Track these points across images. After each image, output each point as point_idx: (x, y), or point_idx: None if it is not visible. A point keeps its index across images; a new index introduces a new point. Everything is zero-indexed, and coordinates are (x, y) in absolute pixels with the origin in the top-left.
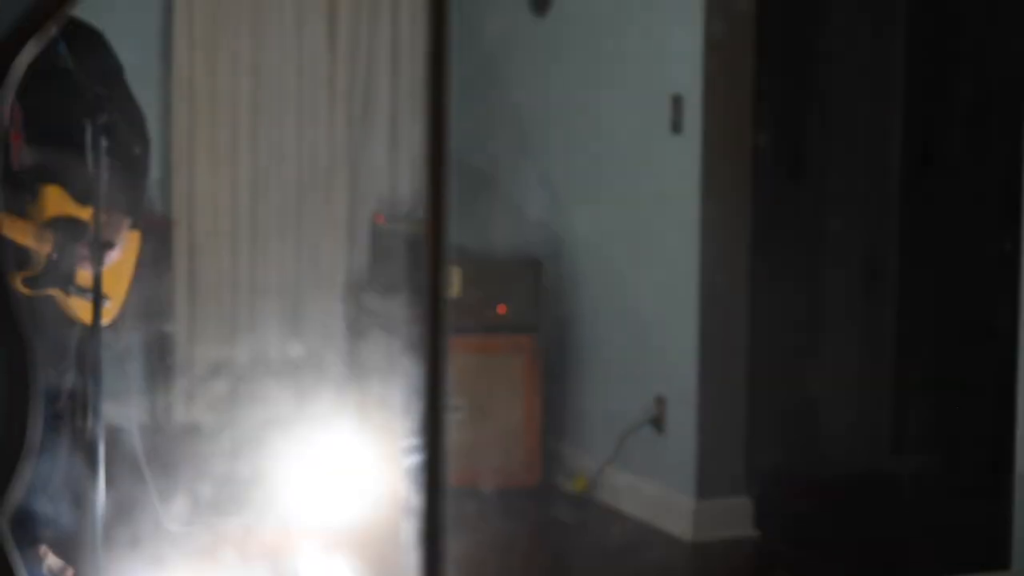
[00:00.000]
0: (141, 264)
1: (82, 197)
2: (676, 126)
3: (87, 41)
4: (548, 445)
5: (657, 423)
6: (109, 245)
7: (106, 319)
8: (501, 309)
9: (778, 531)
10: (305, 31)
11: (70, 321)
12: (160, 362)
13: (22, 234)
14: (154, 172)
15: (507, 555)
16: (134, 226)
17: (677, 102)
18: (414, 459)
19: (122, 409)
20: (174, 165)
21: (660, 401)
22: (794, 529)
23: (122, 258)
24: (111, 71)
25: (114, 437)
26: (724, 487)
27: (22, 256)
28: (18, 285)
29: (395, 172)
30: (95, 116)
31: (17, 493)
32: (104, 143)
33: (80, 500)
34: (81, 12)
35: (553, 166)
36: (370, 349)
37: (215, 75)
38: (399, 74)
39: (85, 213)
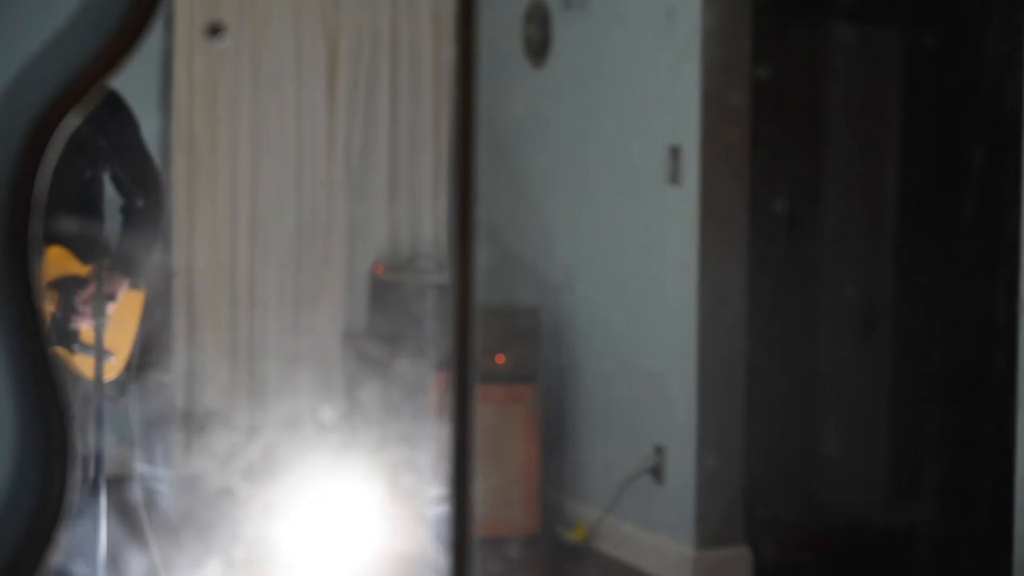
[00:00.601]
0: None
1: (84, 255)
2: (674, 177)
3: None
4: (547, 494)
5: (656, 473)
6: (109, 297)
7: (111, 374)
8: (500, 359)
9: None
10: (304, 83)
11: (74, 379)
12: (156, 412)
13: None
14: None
15: None
16: (136, 284)
17: (675, 153)
18: (437, 514)
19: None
20: (173, 216)
21: (659, 451)
22: None
23: (125, 315)
24: (123, 126)
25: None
26: (723, 537)
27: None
28: None
29: (394, 223)
30: (95, 169)
31: (55, 556)
32: (102, 195)
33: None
34: None
35: (551, 216)
36: (368, 398)
37: (214, 127)
38: (398, 126)
39: (86, 270)
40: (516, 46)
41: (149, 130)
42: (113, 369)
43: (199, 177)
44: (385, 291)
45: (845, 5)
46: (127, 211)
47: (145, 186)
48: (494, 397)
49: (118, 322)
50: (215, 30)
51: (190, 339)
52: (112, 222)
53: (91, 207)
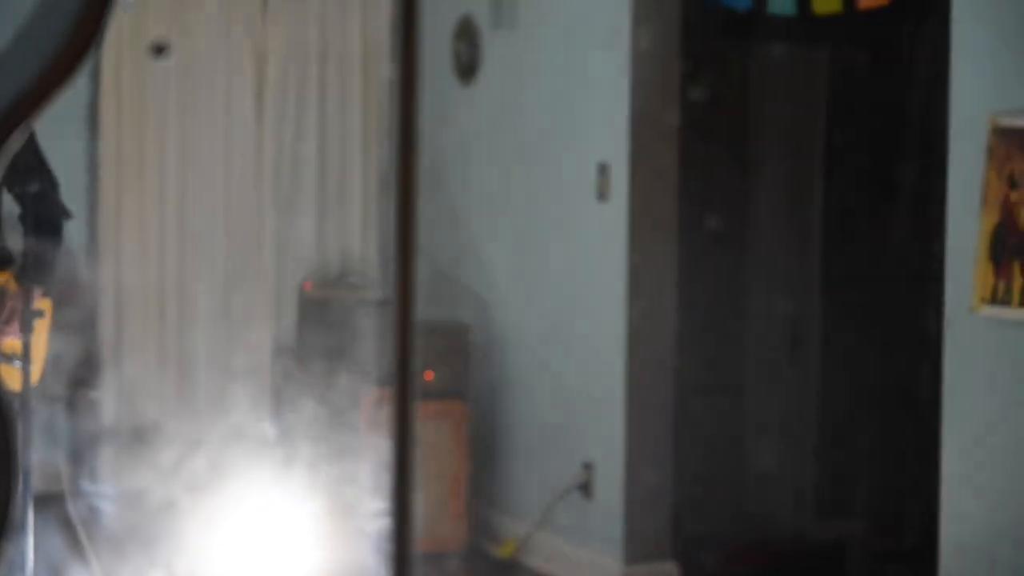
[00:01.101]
0: (68, 330)
1: (1, 262)
2: (603, 194)
3: None
4: (477, 510)
5: (585, 488)
6: (39, 314)
7: (31, 381)
8: (428, 375)
9: None
10: (233, 99)
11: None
12: (86, 428)
13: None
14: (77, 239)
15: None
16: (47, 293)
17: (604, 170)
18: (376, 527)
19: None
20: (101, 232)
21: (588, 467)
22: None
23: (42, 324)
24: (36, 144)
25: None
26: (652, 552)
27: None
28: None
29: (323, 239)
30: (25, 185)
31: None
32: (32, 209)
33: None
34: None
35: (482, 232)
36: (297, 415)
37: (143, 142)
38: (327, 142)
39: (3, 278)
40: (446, 64)
41: (77, 146)
42: (32, 376)
43: (127, 193)
44: (314, 307)
45: (774, 25)
46: (42, 224)
47: (55, 198)
48: (424, 413)
49: (37, 332)
50: (160, 49)
51: (120, 355)
52: (12, 232)
53: (25, 221)
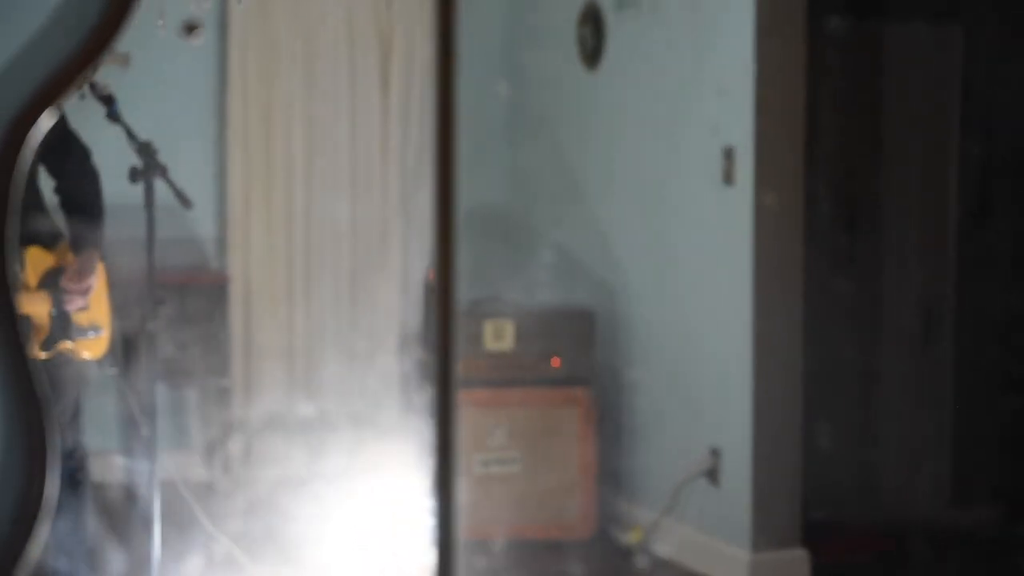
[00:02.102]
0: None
1: (51, 241)
2: (728, 177)
3: None
4: (603, 497)
5: (712, 475)
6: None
7: (102, 348)
8: (555, 362)
9: None
10: (358, 87)
11: (82, 373)
12: (217, 417)
13: (26, 305)
14: (210, 230)
15: None
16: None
17: (729, 154)
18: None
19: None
20: (230, 221)
21: (715, 453)
22: None
23: (99, 287)
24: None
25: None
26: (780, 539)
27: (27, 328)
28: (37, 353)
29: None
30: (48, 152)
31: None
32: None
33: (98, 557)
34: (135, 77)
35: (607, 218)
36: (425, 403)
37: (269, 132)
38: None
39: (59, 257)
40: (571, 50)
41: (205, 138)
42: (103, 342)
43: (254, 180)
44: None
45: (906, 1)
46: (76, 191)
47: (79, 163)
48: (550, 400)
49: (95, 296)
50: (191, 28)
51: (246, 343)
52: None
53: (40, 195)
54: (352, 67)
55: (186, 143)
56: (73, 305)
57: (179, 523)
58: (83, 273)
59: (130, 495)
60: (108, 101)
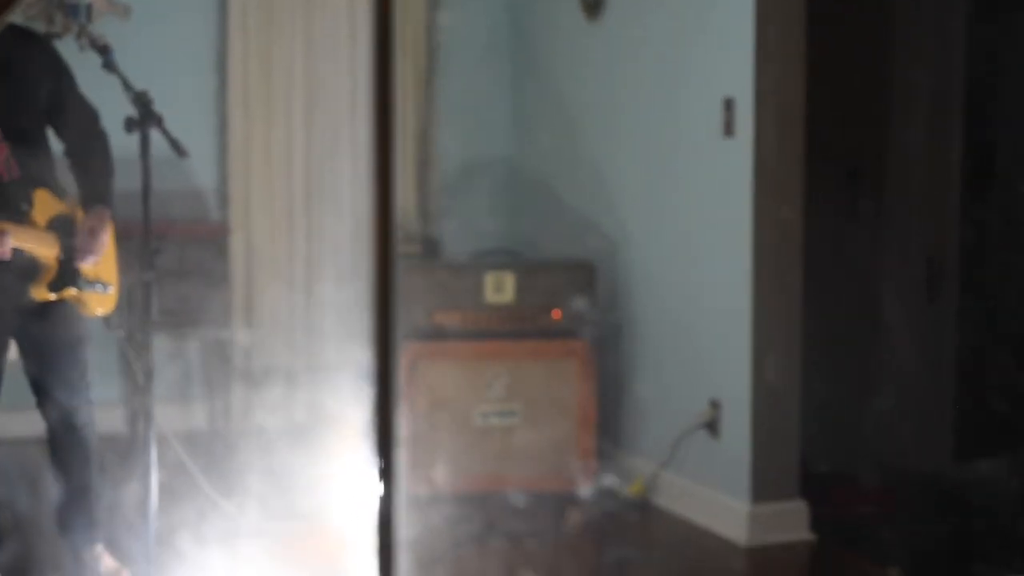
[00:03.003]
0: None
1: (59, 191)
2: (728, 129)
3: (25, 43)
4: (603, 449)
5: (712, 427)
6: (100, 244)
7: (110, 305)
8: (556, 314)
9: (834, 535)
10: (358, 38)
11: (78, 315)
12: (219, 368)
13: (33, 240)
14: (211, 182)
15: (562, 558)
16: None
17: (729, 105)
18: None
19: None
20: (231, 173)
21: (715, 405)
22: (850, 533)
23: (108, 245)
24: (56, 67)
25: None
26: (779, 490)
27: (30, 265)
28: (43, 294)
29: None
30: (54, 110)
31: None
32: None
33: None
34: (137, 25)
35: (605, 170)
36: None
37: (269, 84)
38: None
39: (69, 207)
40: (572, 1)
41: (205, 91)
42: (111, 299)
43: (255, 135)
44: None
45: None
46: (80, 145)
47: (88, 126)
48: (550, 352)
49: (104, 254)
50: None
51: (247, 295)
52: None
53: (49, 151)
54: (352, 18)
55: (186, 95)
56: (85, 263)
57: (175, 474)
58: (95, 231)
59: (129, 446)
60: (104, 51)
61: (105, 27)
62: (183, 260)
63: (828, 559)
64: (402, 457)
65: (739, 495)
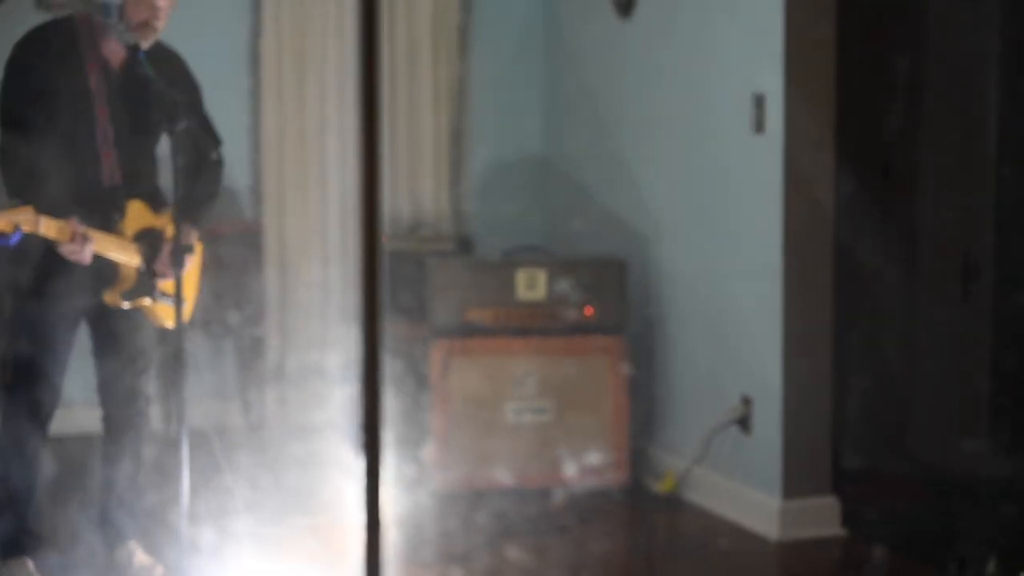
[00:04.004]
0: (231, 268)
1: (157, 204)
2: (759, 125)
3: (166, 57)
4: (636, 445)
5: (743, 423)
6: (189, 249)
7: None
8: (588, 311)
9: (866, 530)
10: (396, 33)
11: (148, 323)
12: (251, 365)
13: (116, 249)
14: (244, 180)
15: (596, 554)
16: (199, 232)
17: (759, 101)
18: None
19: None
20: (264, 172)
21: (746, 401)
22: (882, 528)
23: (193, 265)
24: (189, 87)
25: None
26: (810, 486)
27: (109, 272)
28: (115, 300)
29: (395, 191)
30: (173, 123)
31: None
32: (182, 147)
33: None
34: (168, 28)
35: (636, 166)
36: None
37: (302, 84)
38: (397, 92)
39: (161, 222)
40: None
41: (239, 90)
42: (185, 315)
43: (288, 134)
44: (389, 260)
45: None
46: (190, 165)
47: (216, 140)
48: (583, 348)
49: (188, 269)
50: None
51: (281, 292)
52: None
53: (155, 161)
54: (390, 17)
55: (220, 95)
56: (163, 282)
57: (209, 471)
58: (177, 260)
59: (163, 442)
60: (134, 50)
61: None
62: (217, 258)
63: (859, 554)
64: (434, 454)
65: (771, 491)
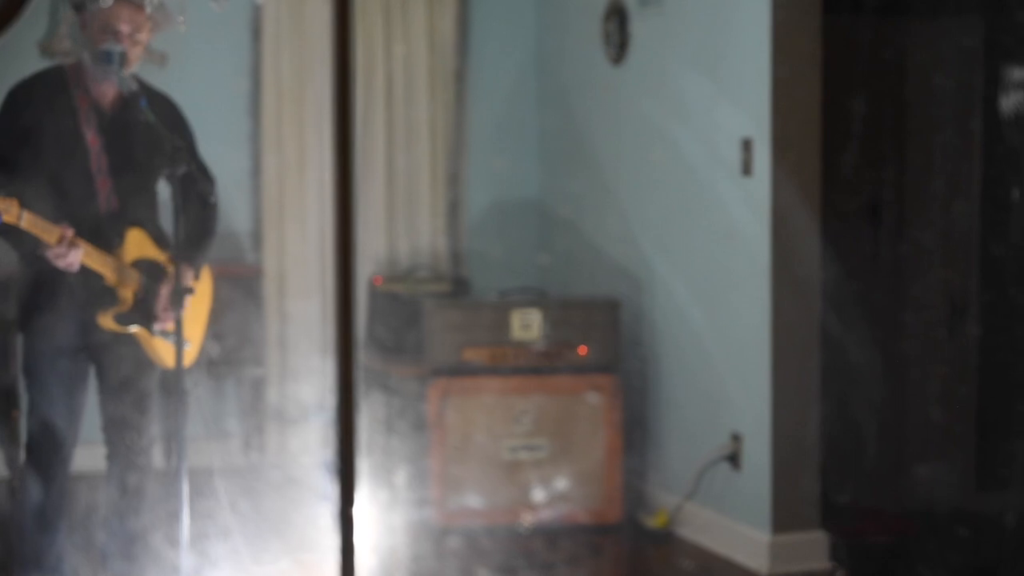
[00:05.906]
0: (231, 309)
1: (159, 241)
2: (747, 168)
3: (165, 105)
4: (628, 482)
5: (733, 459)
6: (189, 291)
7: (188, 361)
8: (582, 350)
9: (853, 565)
10: (394, 83)
11: (150, 362)
12: (252, 405)
13: (107, 269)
14: (245, 224)
15: None
16: (198, 272)
17: (747, 145)
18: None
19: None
20: (264, 216)
21: (736, 438)
22: (870, 563)
23: (197, 303)
24: (187, 133)
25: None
26: (800, 521)
27: (107, 295)
28: (108, 323)
29: (392, 233)
30: (175, 166)
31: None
32: (182, 191)
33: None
34: (172, 76)
35: (629, 209)
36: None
37: (302, 129)
38: (394, 136)
39: (163, 256)
40: (596, 45)
41: (239, 135)
42: (189, 356)
43: (288, 178)
44: (384, 301)
45: None
46: (189, 208)
47: (212, 183)
48: (576, 387)
49: (191, 311)
50: None
51: (281, 334)
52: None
53: (156, 202)
54: (388, 62)
55: (221, 140)
56: (160, 326)
57: (208, 509)
58: (175, 304)
59: (164, 480)
60: (134, 98)
61: (141, 74)
62: (218, 300)
63: None
64: (431, 490)
65: (760, 526)
